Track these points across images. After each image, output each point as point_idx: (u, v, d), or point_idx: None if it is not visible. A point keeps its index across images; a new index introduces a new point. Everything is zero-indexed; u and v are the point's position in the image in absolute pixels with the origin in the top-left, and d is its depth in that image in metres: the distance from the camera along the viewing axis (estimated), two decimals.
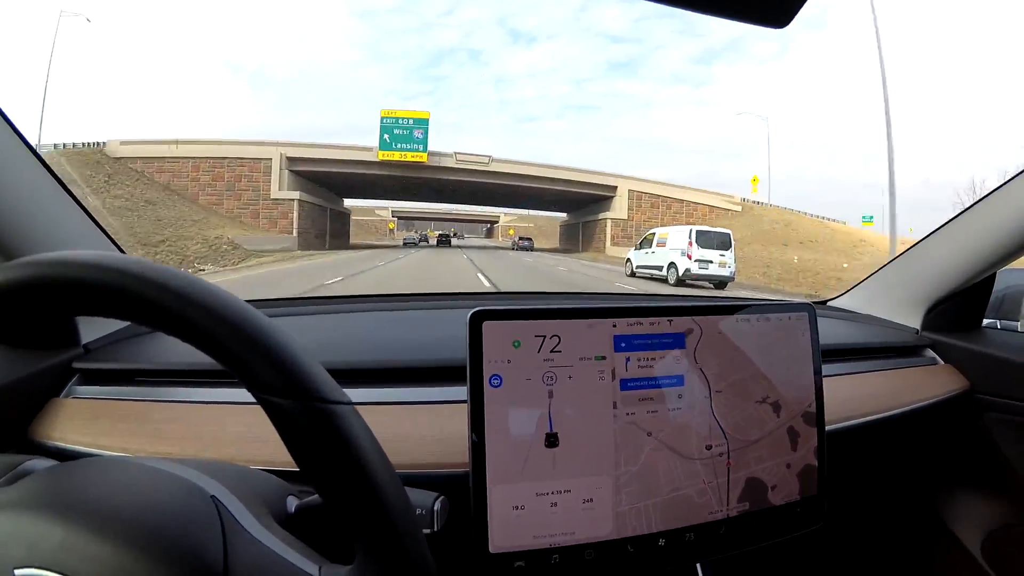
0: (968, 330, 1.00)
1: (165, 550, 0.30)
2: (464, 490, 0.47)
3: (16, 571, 0.29)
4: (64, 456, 0.48)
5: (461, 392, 0.49)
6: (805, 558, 0.92)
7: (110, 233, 0.78)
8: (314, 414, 0.28)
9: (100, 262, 0.29)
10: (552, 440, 0.49)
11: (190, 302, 0.28)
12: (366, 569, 0.30)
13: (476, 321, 0.47)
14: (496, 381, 0.47)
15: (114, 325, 0.74)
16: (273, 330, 0.29)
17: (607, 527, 0.50)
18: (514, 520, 0.47)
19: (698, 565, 0.64)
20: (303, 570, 0.31)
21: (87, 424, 0.59)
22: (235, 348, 0.28)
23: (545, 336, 0.49)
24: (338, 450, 0.29)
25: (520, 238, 24.54)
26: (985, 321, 1.03)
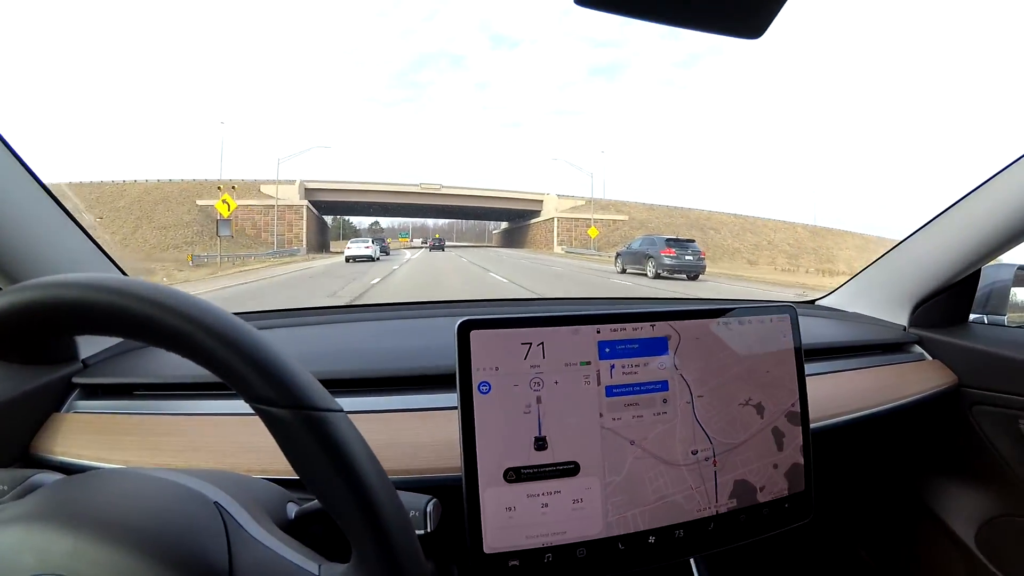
0: (955, 325, 1.02)
1: (171, 554, 0.31)
2: (458, 493, 0.48)
3: None
4: (67, 470, 0.49)
5: (452, 399, 0.51)
6: (799, 552, 0.93)
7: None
8: (306, 422, 0.30)
9: (101, 283, 0.30)
10: (541, 443, 0.50)
11: (187, 319, 0.30)
12: (361, 565, 0.31)
13: (464, 330, 0.49)
14: (485, 388, 0.49)
15: (112, 340, 0.75)
16: (265, 343, 0.31)
17: (597, 526, 0.51)
18: (507, 521, 0.49)
19: (692, 561, 0.65)
20: (304, 569, 0.33)
21: (88, 438, 0.60)
22: (230, 362, 0.30)
23: (531, 343, 0.50)
24: (330, 454, 0.30)
25: (674, 242, 10.19)
26: (972, 316, 1.05)
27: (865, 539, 1.01)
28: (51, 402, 0.64)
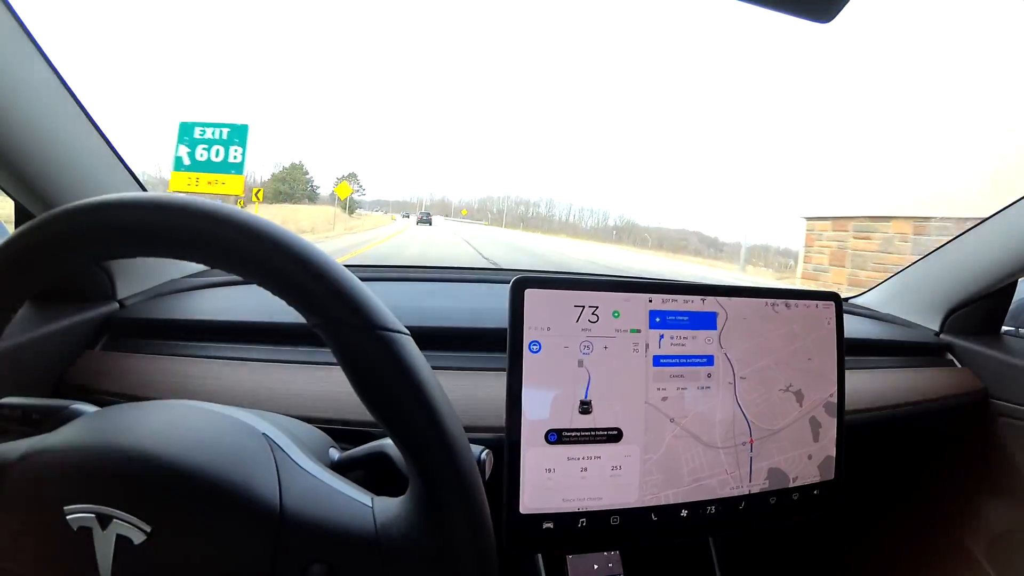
0: (986, 335, 1.01)
1: (220, 484, 0.31)
2: (498, 452, 0.48)
3: (66, 507, 0.30)
4: (101, 405, 0.49)
5: (495, 360, 0.50)
6: (812, 545, 0.93)
7: None
8: (377, 341, 0.30)
9: (189, 206, 0.29)
10: (586, 407, 0.50)
11: (262, 240, 0.29)
12: (420, 497, 0.31)
13: (518, 288, 0.48)
14: (535, 347, 0.49)
15: (149, 282, 0.75)
16: (337, 264, 0.31)
17: (633, 495, 0.51)
18: (545, 483, 0.49)
19: (710, 540, 0.65)
20: (357, 500, 0.32)
21: (122, 376, 0.60)
22: (305, 282, 0.29)
23: (584, 306, 0.50)
24: (399, 375, 0.30)
25: None
26: (1004, 328, 1.04)
27: (877, 538, 1.01)
28: (86, 339, 0.64)
